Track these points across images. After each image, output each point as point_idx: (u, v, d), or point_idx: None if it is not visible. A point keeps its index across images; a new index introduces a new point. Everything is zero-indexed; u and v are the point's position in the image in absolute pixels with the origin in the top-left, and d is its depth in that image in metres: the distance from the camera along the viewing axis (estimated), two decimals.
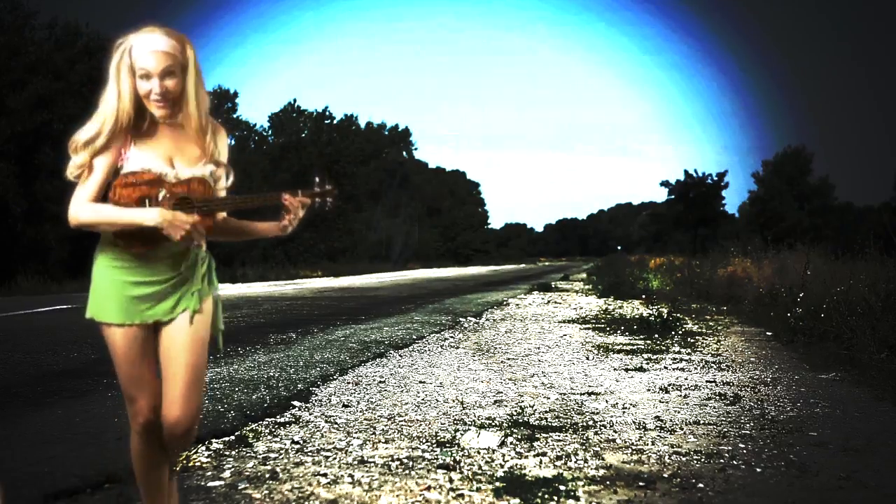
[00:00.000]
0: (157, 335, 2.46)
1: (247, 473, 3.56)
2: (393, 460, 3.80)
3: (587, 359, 7.51)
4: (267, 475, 3.52)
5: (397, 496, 3.25)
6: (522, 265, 74.20)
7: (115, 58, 2.35)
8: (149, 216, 2.29)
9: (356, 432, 4.38)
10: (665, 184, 65.81)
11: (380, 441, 4.19)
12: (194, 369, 2.44)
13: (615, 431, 4.45)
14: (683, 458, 3.87)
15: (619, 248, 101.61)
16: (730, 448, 4.07)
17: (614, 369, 6.84)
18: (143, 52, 2.32)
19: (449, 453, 3.93)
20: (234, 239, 2.59)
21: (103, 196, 2.35)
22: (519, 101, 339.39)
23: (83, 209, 2.32)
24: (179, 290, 2.42)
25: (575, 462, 3.79)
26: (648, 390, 5.81)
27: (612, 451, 4.00)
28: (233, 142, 51.04)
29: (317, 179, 2.49)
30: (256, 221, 2.55)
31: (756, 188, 61.97)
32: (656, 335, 9.42)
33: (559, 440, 4.24)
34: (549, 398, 5.49)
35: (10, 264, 23.13)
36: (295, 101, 53.33)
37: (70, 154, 2.36)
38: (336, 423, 4.61)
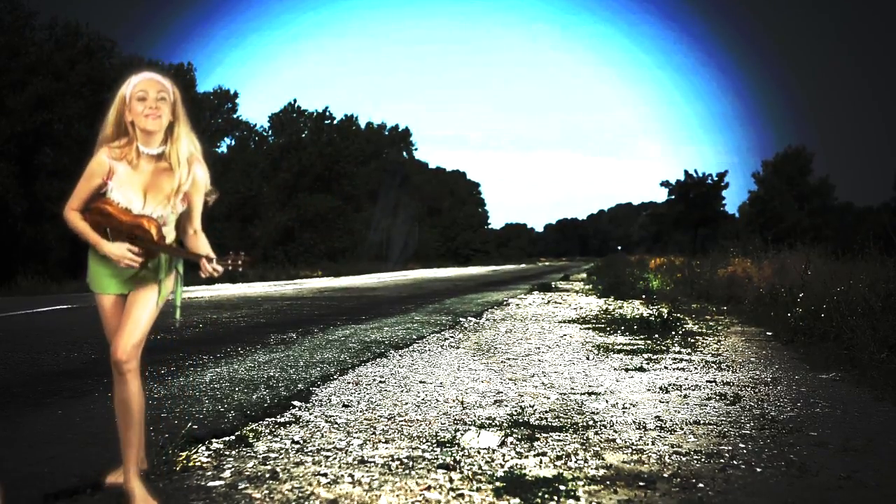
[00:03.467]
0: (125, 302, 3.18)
1: (247, 473, 3.56)
2: (393, 460, 3.80)
3: (587, 359, 7.51)
4: (267, 475, 3.53)
5: (397, 496, 3.25)
6: (522, 265, 74.27)
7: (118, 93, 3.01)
8: (104, 247, 3.01)
9: (356, 432, 4.38)
10: (665, 184, 65.80)
11: (380, 441, 4.19)
12: (137, 319, 3.13)
13: (615, 431, 4.45)
14: (683, 458, 3.87)
15: (619, 248, 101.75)
16: (730, 448, 4.07)
17: (614, 369, 6.84)
18: (140, 80, 2.99)
19: (449, 453, 3.93)
20: None
21: (85, 206, 3.04)
22: (519, 101, 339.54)
23: (69, 215, 3.05)
24: (140, 275, 3.12)
25: (575, 462, 3.79)
26: (648, 390, 5.81)
27: (612, 451, 4.01)
28: (233, 142, 51.02)
29: (231, 254, 3.10)
30: (196, 252, 3.14)
31: (756, 188, 61.99)
32: (656, 335, 9.43)
33: (559, 440, 4.24)
34: (549, 398, 5.49)
35: (10, 264, 23.14)
36: (295, 101, 53.31)
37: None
38: (336, 423, 4.61)
